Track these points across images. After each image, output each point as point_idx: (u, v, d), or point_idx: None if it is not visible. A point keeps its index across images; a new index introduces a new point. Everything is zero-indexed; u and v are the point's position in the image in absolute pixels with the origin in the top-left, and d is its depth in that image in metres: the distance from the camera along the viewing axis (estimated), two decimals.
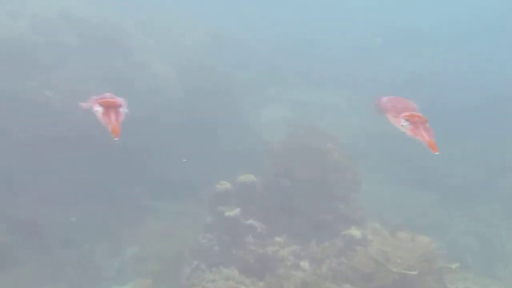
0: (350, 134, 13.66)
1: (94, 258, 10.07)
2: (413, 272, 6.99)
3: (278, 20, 20.23)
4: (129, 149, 11.48)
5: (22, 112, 10.60)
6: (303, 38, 19.68)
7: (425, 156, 13.97)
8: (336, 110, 15.74)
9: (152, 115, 12.03)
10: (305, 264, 7.99)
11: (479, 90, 15.98)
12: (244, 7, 20.54)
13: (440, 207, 12.76)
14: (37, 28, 11.93)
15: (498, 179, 13.48)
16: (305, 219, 8.79)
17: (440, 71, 17.23)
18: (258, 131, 13.37)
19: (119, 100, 3.46)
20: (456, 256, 9.41)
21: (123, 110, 3.41)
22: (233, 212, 8.54)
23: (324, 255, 7.92)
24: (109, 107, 3.36)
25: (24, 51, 11.34)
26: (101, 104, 3.35)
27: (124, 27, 13.37)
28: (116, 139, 3.24)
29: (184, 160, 11.43)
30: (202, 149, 12.18)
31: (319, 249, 8.10)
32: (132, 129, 10.76)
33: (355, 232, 8.23)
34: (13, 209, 9.98)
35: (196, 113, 12.79)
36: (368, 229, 8.63)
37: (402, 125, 3.42)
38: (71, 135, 10.99)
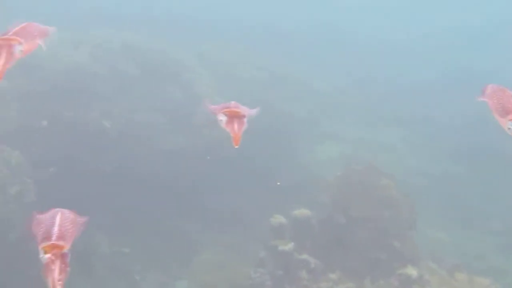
0: (406, 173, 13.41)
1: None
2: None
3: (335, 59, 20.19)
4: (182, 180, 11.51)
5: (81, 141, 10.74)
6: (360, 76, 19.58)
7: (484, 199, 13.60)
8: (392, 149, 15.52)
9: (207, 148, 12.04)
10: None
11: None
12: (301, 44, 20.60)
13: (498, 251, 12.39)
14: (98, 58, 12.17)
15: None
16: (359, 256, 8.61)
17: None
18: (313, 167, 13.23)
19: (244, 109, 3.42)
20: None
21: (246, 119, 3.38)
22: (287, 246, 8.42)
23: None
24: (234, 117, 3.37)
25: (84, 81, 11.55)
26: (226, 114, 3.36)
27: (183, 59, 13.51)
28: (236, 147, 3.30)
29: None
30: (256, 182, 12.09)
31: (373, 287, 7.91)
32: (187, 161, 10.82)
33: (411, 271, 8.02)
34: None
35: (250, 147, 12.71)
36: (424, 269, 8.41)
37: (509, 128, 3.10)
38: (127, 166, 11.10)
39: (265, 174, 12.49)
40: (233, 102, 3.51)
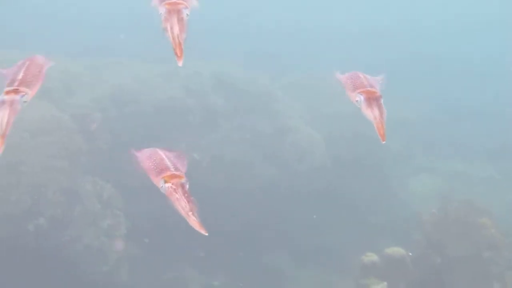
0: (506, 209, 12.75)
1: None
2: None
3: (430, 92, 19.62)
4: (273, 214, 11.37)
5: None
6: (456, 110, 18.91)
7: None
8: (490, 183, 14.83)
9: (297, 182, 11.89)
10: None
11: None
12: (399, 79, 20.19)
13: None
14: (189, 90, 12.27)
15: None
16: None
17: None
18: (407, 202, 12.80)
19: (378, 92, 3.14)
20: None
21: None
22: (380, 286, 8.14)
23: None
24: (371, 99, 3.14)
25: (175, 113, 11.65)
26: (362, 93, 3.15)
27: (272, 90, 13.45)
28: (383, 142, 3.07)
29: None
30: (347, 217, 11.81)
31: None
32: (277, 194, 10.66)
33: None
34: (158, 269, 10.07)
35: (342, 181, 12.48)
36: None
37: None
38: (216, 198, 11.05)
39: (356, 208, 12.20)
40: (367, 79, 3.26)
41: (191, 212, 2.69)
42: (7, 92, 2.78)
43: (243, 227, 10.92)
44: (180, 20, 2.87)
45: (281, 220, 11.43)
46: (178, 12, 2.88)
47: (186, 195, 2.75)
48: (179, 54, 2.88)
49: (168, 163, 2.90)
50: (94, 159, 10.24)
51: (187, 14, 2.91)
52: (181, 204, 2.71)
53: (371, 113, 3.12)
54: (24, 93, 2.81)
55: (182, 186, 2.77)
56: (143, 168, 3.02)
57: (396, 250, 8.58)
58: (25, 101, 2.81)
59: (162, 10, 2.89)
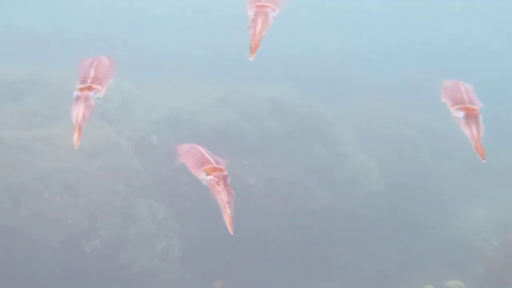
0: None
1: None
2: None
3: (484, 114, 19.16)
4: (325, 239, 11.22)
5: None
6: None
7: None
8: None
9: (351, 207, 11.73)
10: None
11: None
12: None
13: None
14: (245, 114, 12.27)
15: None
16: None
17: None
18: (464, 230, 12.46)
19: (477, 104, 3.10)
20: None
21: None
22: None
23: None
24: (470, 116, 3.09)
25: (231, 137, 11.66)
26: (462, 110, 3.11)
27: (327, 114, 13.34)
28: (483, 161, 3.07)
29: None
30: (402, 244, 11.56)
31: None
32: (329, 220, 10.51)
33: None
34: None
35: (397, 207, 12.26)
36: None
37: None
38: (269, 223, 10.98)
39: (412, 235, 11.94)
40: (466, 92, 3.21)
41: (228, 205, 2.80)
42: (81, 89, 2.95)
43: (295, 252, 10.79)
44: (265, 21, 2.98)
45: (334, 246, 11.26)
46: (266, 14, 3.00)
47: (227, 188, 2.88)
48: (253, 50, 2.95)
49: (209, 157, 3.07)
50: (149, 182, 10.30)
51: (274, 17, 3.04)
52: (222, 197, 2.84)
53: (469, 132, 3.09)
54: (97, 90, 2.97)
55: (224, 178, 2.92)
56: (184, 161, 3.18)
57: (456, 284, 8.36)
58: (98, 98, 2.97)
59: (250, 12, 3.02)
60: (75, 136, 2.86)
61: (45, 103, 11.41)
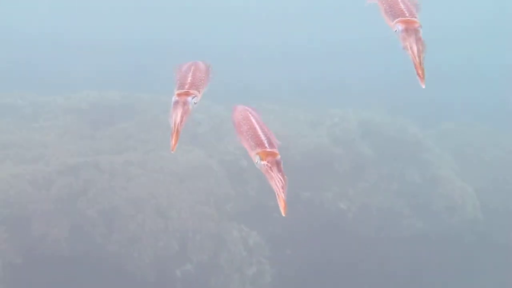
0: None
1: None
2: None
3: None
4: (418, 267, 10.88)
5: (318, 222, 10.59)
6: None
7: None
8: None
9: (446, 235, 11.31)
10: None
11: None
12: None
13: None
14: (336, 138, 12.07)
15: None
16: None
17: None
18: None
19: None
20: None
21: None
22: None
23: None
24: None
25: (322, 161, 11.47)
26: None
27: (422, 138, 12.94)
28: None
29: None
30: (502, 276, 11.03)
31: None
32: (423, 247, 10.14)
33: None
34: None
35: (495, 236, 11.72)
36: None
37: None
38: (360, 248, 10.73)
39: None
40: None
41: (282, 190, 2.75)
42: (179, 94, 3.04)
43: (389, 279, 10.49)
44: (419, 39, 2.87)
45: (428, 275, 10.89)
46: (416, 31, 2.89)
47: (280, 172, 2.80)
48: (420, 75, 2.82)
49: (263, 137, 2.96)
50: (240, 205, 10.24)
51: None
52: (275, 181, 2.78)
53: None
54: (194, 95, 3.05)
55: (277, 163, 2.84)
56: (239, 135, 3.12)
57: None
58: (195, 103, 3.06)
59: (398, 28, 2.92)
60: (173, 140, 2.93)
61: (137, 127, 11.58)
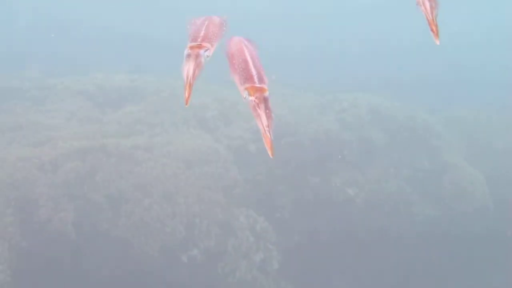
0: None
1: None
2: None
3: None
4: (427, 257, 10.78)
5: (326, 210, 10.50)
6: None
7: None
8: None
9: (456, 223, 11.20)
10: None
11: None
12: None
13: None
14: (345, 124, 11.95)
15: None
16: None
17: None
18: None
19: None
20: None
21: None
22: None
23: None
24: None
25: (331, 147, 11.37)
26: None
27: (432, 124, 12.79)
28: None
29: None
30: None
31: None
32: (432, 236, 10.04)
33: None
34: None
35: (505, 225, 11.59)
36: None
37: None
38: (372, 235, 10.64)
39: None
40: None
41: (268, 129, 2.68)
42: (192, 47, 2.98)
43: (396, 265, 10.41)
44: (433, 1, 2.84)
45: (436, 266, 10.79)
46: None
47: (267, 110, 2.73)
48: (434, 31, 2.79)
49: (253, 72, 2.89)
50: (248, 191, 10.15)
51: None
52: (261, 120, 2.71)
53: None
54: (207, 48, 2.99)
55: (265, 100, 2.76)
56: (230, 66, 3.04)
57: None
58: (207, 56, 3.00)
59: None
60: (186, 93, 2.88)
61: (145, 110, 11.49)
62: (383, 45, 22.32)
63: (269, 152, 2.66)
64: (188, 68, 2.92)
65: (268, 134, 2.67)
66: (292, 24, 25.08)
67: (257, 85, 2.81)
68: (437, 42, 2.74)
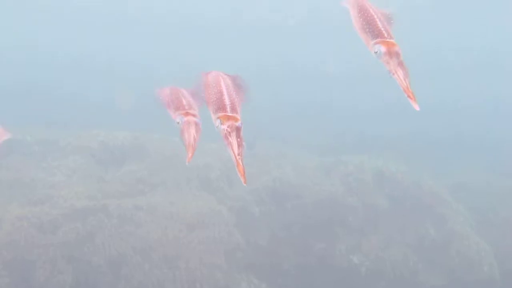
0: None
1: None
2: None
3: None
4: None
5: (329, 276, 10.26)
6: None
7: None
8: None
9: None
10: None
11: None
12: None
13: None
14: (349, 188, 11.78)
15: None
16: None
17: None
18: None
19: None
20: None
21: None
22: None
23: None
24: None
25: (335, 212, 11.19)
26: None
27: (438, 191, 12.61)
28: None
29: None
30: None
31: None
32: None
33: None
34: None
35: None
36: None
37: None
38: None
39: None
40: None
41: (240, 157, 2.73)
42: (186, 114, 3.08)
43: None
44: (401, 63, 2.75)
45: None
46: (397, 55, 2.75)
47: (238, 139, 2.78)
48: (411, 97, 2.69)
49: (227, 101, 2.92)
50: (250, 256, 9.94)
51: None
52: (233, 148, 2.75)
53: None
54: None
55: (237, 129, 2.81)
56: (203, 96, 3.08)
57: None
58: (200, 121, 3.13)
59: (379, 50, 2.79)
60: (189, 153, 2.98)
61: (147, 169, 11.34)
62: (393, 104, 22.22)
63: (242, 180, 2.69)
64: (189, 133, 2.99)
65: (240, 162, 2.69)
66: (290, 78, 25.24)
67: (229, 114, 2.84)
68: (417, 108, 2.65)
